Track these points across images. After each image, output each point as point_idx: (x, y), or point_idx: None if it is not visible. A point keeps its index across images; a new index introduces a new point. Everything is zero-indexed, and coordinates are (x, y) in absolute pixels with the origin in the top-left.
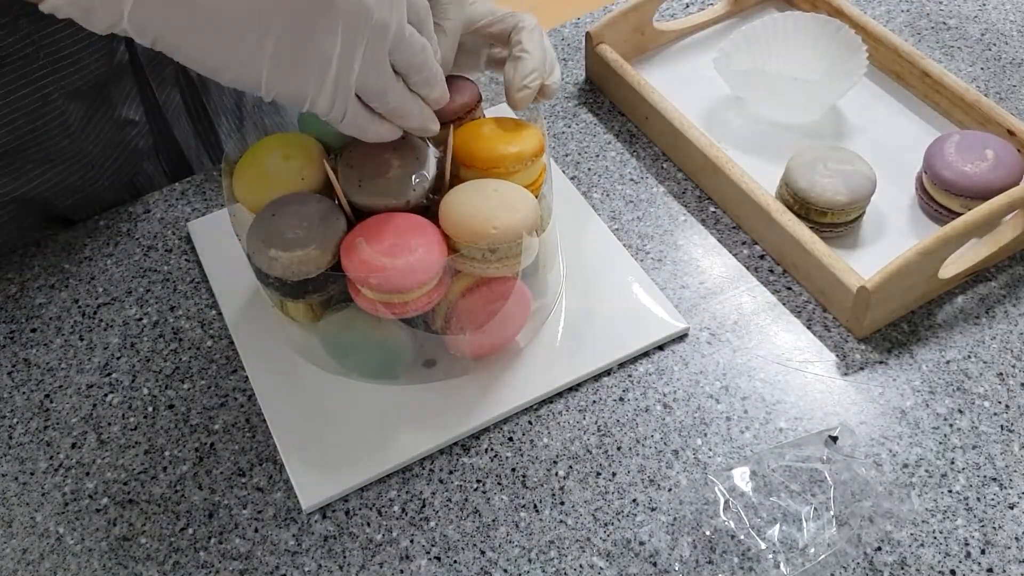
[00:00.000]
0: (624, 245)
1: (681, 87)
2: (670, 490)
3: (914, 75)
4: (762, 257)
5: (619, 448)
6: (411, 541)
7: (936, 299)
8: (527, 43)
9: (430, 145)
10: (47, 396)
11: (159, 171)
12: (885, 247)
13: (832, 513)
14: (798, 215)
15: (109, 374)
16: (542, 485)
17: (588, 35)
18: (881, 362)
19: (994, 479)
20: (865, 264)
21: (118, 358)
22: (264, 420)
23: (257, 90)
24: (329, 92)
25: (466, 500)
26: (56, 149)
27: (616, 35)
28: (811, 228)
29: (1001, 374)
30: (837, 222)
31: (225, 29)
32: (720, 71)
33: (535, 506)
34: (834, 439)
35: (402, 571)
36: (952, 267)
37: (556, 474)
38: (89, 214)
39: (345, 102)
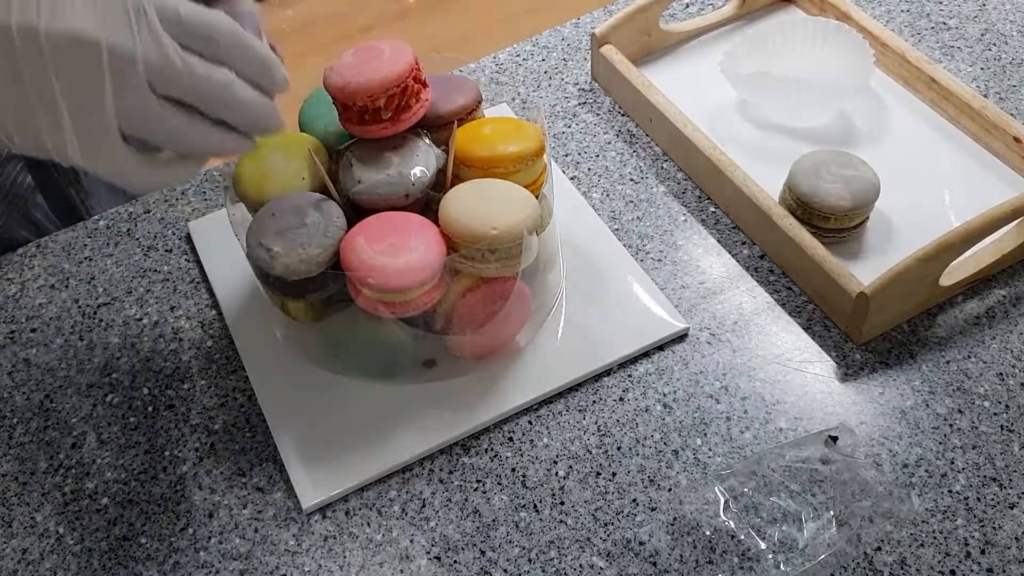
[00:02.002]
0: (624, 245)
1: (687, 89)
2: (670, 490)
3: (921, 81)
4: (762, 257)
5: (619, 448)
6: (411, 541)
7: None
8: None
9: (431, 143)
10: (47, 396)
11: (46, 208)
12: (889, 253)
13: (832, 513)
14: (801, 220)
15: (109, 374)
16: (542, 485)
17: (594, 36)
18: (881, 362)
19: (994, 479)
20: (868, 270)
21: (118, 358)
22: (264, 420)
23: (9, 144)
24: (73, 139)
25: (466, 500)
26: None
27: (622, 36)
28: (814, 233)
29: (1001, 374)
30: (840, 227)
31: None
32: (726, 74)
33: (535, 506)
34: (834, 439)
35: (402, 571)
36: (953, 275)
37: (556, 474)
38: None
39: (109, 150)
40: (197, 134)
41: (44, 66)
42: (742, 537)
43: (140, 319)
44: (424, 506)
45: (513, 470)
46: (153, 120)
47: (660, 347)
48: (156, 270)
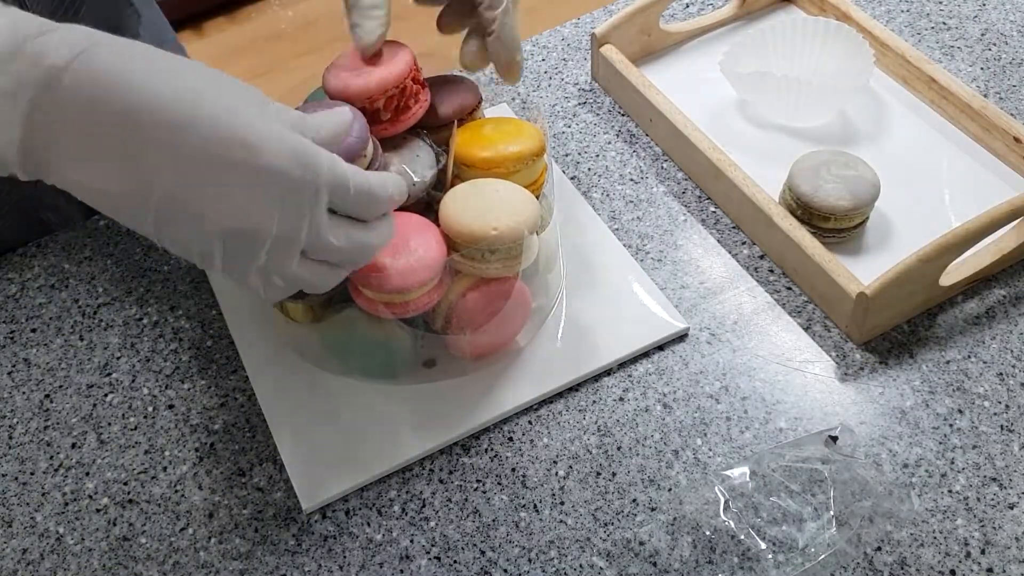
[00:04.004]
0: (624, 245)
1: (687, 89)
2: (670, 490)
3: (921, 81)
4: (762, 257)
5: (619, 448)
6: (411, 541)
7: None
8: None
9: (431, 144)
10: (47, 396)
11: (65, 203)
12: (889, 253)
13: (832, 513)
14: (801, 220)
15: (109, 374)
16: (542, 485)
17: (594, 36)
18: (881, 362)
19: (994, 479)
20: (869, 270)
21: (118, 358)
22: (264, 420)
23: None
24: (217, 269)
25: (466, 500)
26: None
27: (622, 36)
28: (814, 233)
29: (1001, 374)
30: (840, 227)
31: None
32: (726, 73)
33: (535, 506)
34: (834, 439)
35: (402, 571)
36: (953, 275)
37: (556, 474)
38: None
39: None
40: (330, 280)
41: (210, 243)
42: (742, 537)
43: (140, 319)
44: (424, 506)
45: (513, 470)
46: (292, 275)
47: (660, 347)
48: (156, 270)
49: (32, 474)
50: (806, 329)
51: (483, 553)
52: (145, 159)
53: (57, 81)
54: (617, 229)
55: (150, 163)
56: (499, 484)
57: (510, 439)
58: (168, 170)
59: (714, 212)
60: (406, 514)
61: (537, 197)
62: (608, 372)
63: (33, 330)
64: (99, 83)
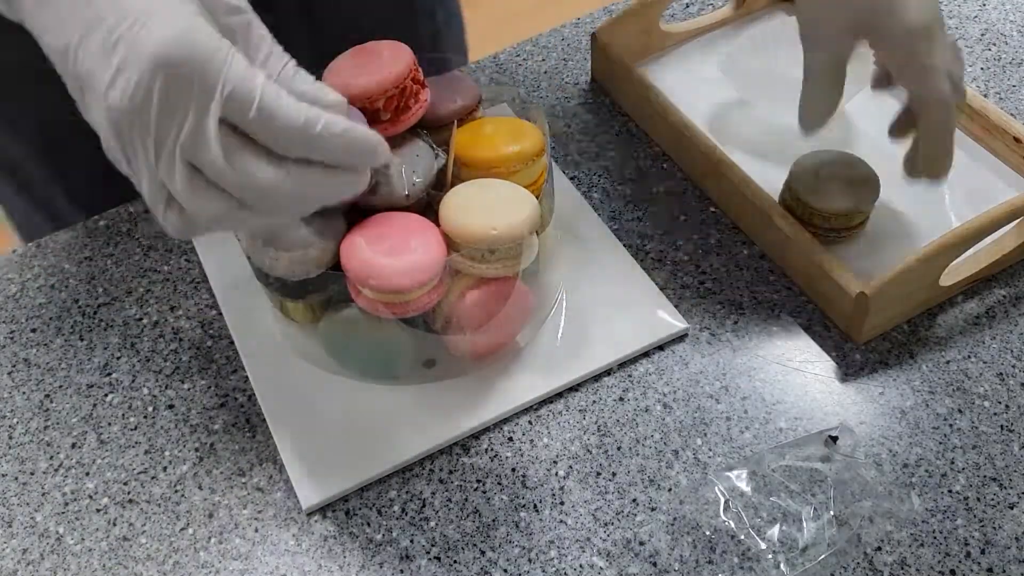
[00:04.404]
0: (624, 245)
1: (687, 89)
2: (670, 490)
3: None
4: (762, 257)
5: (619, 448)
6: (411, 541)
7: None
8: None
9: (431, 144)
10: (47, 396)
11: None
12: (889, 254)
13: (832, 513)
14: (801, 220)
15: (109, 374)
16: (542, 485)
17: (594, 36)
18: (881, 362)
19: (994, 479)
20: (868, 270)
21: (118, 358)
22: (264, 420)
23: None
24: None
25: (466, 500)
26: None
27: (623, 36)
28: (814, 233)
29: (1001, 374)
30: (840, 227)
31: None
32: (727, 73)
33: (535, 506)
34: (834, 439)
35: (402, 571)
36: (953, 274)
37: (556, 474)
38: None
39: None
40: (214, 209)
41: (106, 128)
42: (742, 537)
43: (140, 319)
44: (424, 506)
45: (513, 470)
46: (177, 190)
47: (660, 347)
48: (156, 270)
49: (32, 474)
50: (806, 329)
51: (483, 553)
52: (65, 21)
53: None
54: (617, 229)
55: (71, 26)
56: (499, 484)
57: (510, 439)
58: (82, 37)
59: (714, 212)
60: (406, 514)
61: (537, 197)
62: (608, 372)
63: (33, 330)
64: None
